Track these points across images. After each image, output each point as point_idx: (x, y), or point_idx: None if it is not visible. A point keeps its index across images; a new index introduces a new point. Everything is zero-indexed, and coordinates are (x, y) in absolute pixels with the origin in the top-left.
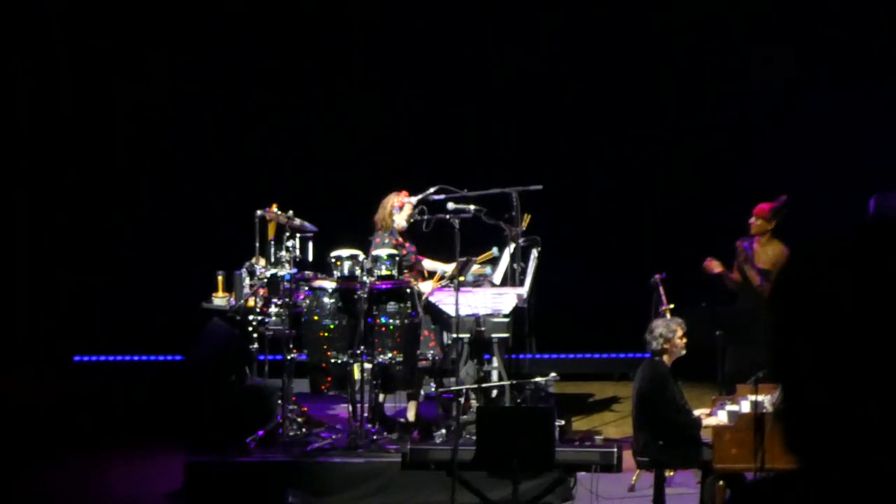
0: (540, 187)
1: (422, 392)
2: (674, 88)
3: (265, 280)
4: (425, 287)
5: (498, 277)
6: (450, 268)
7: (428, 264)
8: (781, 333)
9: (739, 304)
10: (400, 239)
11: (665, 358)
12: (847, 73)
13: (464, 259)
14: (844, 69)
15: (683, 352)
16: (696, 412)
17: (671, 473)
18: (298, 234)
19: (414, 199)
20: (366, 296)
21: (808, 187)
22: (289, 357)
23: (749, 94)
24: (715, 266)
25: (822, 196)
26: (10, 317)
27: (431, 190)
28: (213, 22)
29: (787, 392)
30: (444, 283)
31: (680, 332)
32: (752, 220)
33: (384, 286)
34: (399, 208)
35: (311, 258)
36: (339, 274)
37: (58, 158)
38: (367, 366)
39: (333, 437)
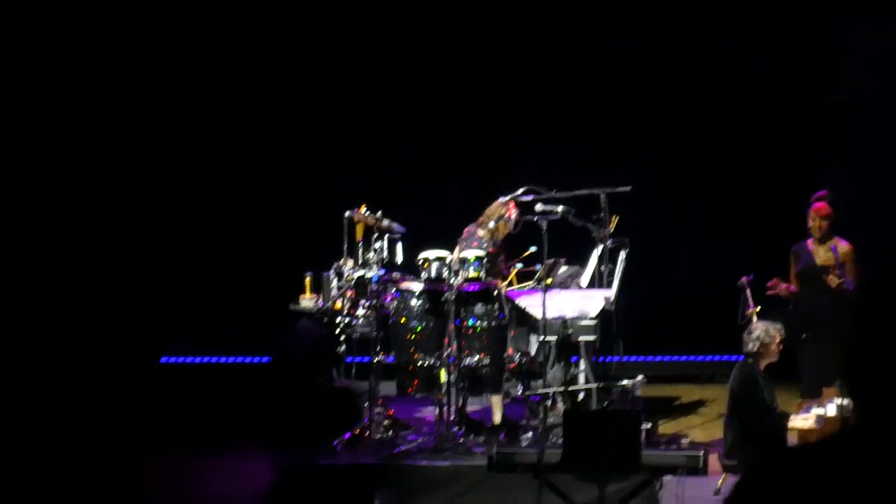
0: (629, 188)
1: (509, 393)
2: (764, 90)
3: (353, 282)
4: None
5: (585, 279)
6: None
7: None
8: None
9: (810, 307)
10: (497, 248)
11: (760, 361)
12: None
13: (551, 261)
14: None
15: (776, 358)
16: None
17: None
18: (387, 235)
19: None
20: (453, 298)
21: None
22: (376, 359)
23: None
24: (781, 289)
25: None
26: (100, 316)
27: (520, 191)
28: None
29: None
30: (531, 284)
31: (778, 339)
32: (818, 223)
33: (471, 288)
34: (508, 218)
35: (399, 259)
36: (426, 276)
37: (148, 159)
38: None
39: (420, 439)
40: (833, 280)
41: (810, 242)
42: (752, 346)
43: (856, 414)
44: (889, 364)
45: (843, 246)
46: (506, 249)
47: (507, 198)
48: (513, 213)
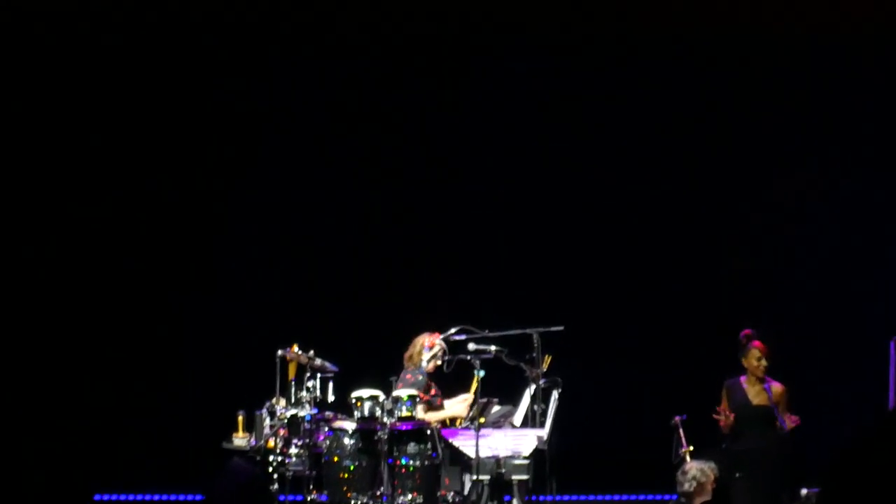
0: (561, 328)
1: None
2: (689, 233)
3: (285, 420)
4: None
5: (519, 419)
6: (462, 407)
7: (447, 404)
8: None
9: (744, 445)
10: (429, 380)
11: (694, 500)
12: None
13: (484, 400)
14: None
15: (709, 497)
16: None
17: None
18: (319, 374)
19: (442, 342)
20: (386, 437)
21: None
22: (309, 498)
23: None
24: (724, 419)
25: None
26: (33, 454)
27: (453, 330)
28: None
29: None
30: (464, 424)
31: (713, 478)
32: (763, 361)
33: (404, 427)
34: (429, 348)
35: (332, 398)
36: (359, 415)
37: (89, 294)
38: None
39: None
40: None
41: (744, 380)
42: (687, 486)
43: None
44: None
45: (776, 387)
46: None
47: (440, 338)
48: (434, 342)
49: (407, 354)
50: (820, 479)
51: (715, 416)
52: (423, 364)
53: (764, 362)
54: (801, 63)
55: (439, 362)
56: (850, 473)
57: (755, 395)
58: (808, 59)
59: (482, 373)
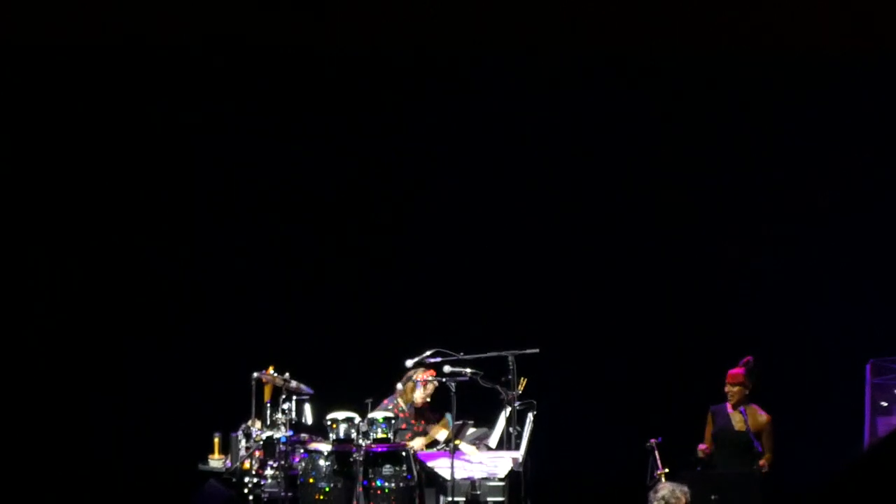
0: (536, 351)
1: None
2: (666, 254)
3: (261, 442)
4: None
5: (494, 441)
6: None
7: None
8: None
9: (721, 468)
10: (411, 413)
11: None
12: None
13: (459, 423)
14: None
15: None
16: None
17: None
18: (295, 397)
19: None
20: (361, 458)
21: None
22: None
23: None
24: (704, 451)
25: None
26: (7, 480)
27: (427, 353)
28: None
29: None
30: (440, 447)
31: (684, 500)
32: (729, 388)
33: (380, 449)
34: (422, 385)
35: (308, 420)
36: (334, 437)
37: (55, 311)
38: None
39: None
40: (763, 461)
41: (729, 406)
42: None
43: None
44: None
45: (761, 416)
46: (425, 415)
47: (414, 360)
48: (426, 379)
49: (399, 386)
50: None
51: (700, 447)
52: (415, 399)
53: (733, 389)
54: (757, 84)
55: (429, 400)
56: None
57: (738, 421)
58: (769, 75)
59: (448, 416)
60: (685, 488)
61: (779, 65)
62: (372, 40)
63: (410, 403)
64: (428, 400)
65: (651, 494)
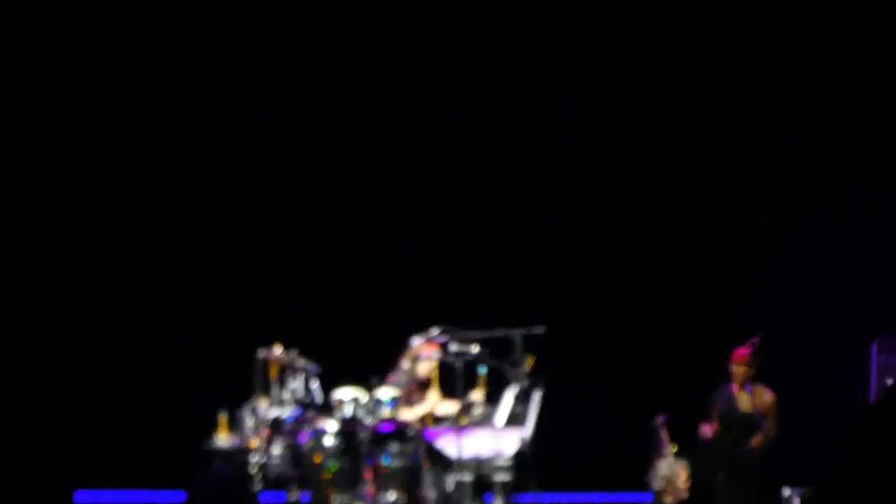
0: (543, 329)
1: None
2: (674, 228)
3: (268, 421)
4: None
5: (501, 419)
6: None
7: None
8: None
9: (728, 449)
10: (412, 389)
11: (667, 499)
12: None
13: (468, 401)
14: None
15: (685, 495)
16: None
17: None
18: (302, 375)
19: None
20: (368, 437)
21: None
22: (291, 498)
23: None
24: (708, 431)
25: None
26: (10, 452)
27: (434, 331)
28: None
29: None
30: (447, 424)
31: (683, 476)
32: (735, 368)
33: (386, 427)
34: (425, 357)
35: (317, 399)
36: (340, 415)
37: (61, 289)
38: None
39: None
40: (757, 440)
41: (735, 386)
42: (657, 485)
43: None
44: None
45: (766, 395)
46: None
47: (422, 339)
48: (429, 351)
49: (402, 360)
50: (816, 484)
51: (703, 428)
52: (418, 373)
53: (738, 369)
54: (772, 81)
55: (431, 376)
56: (846, 474)
57: (746, 401)
58: (768, 71)
59: (484, 369)
60: (684, 463)
61: (778, 64)
62: (371, 39)
63: (412, 379)
64: (430, 376)
65: (650, 474)
